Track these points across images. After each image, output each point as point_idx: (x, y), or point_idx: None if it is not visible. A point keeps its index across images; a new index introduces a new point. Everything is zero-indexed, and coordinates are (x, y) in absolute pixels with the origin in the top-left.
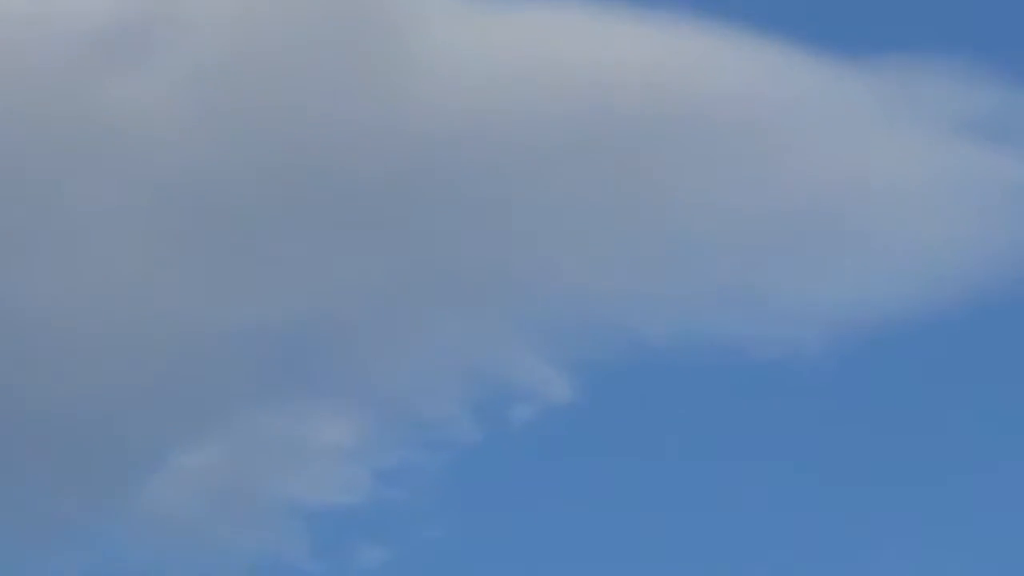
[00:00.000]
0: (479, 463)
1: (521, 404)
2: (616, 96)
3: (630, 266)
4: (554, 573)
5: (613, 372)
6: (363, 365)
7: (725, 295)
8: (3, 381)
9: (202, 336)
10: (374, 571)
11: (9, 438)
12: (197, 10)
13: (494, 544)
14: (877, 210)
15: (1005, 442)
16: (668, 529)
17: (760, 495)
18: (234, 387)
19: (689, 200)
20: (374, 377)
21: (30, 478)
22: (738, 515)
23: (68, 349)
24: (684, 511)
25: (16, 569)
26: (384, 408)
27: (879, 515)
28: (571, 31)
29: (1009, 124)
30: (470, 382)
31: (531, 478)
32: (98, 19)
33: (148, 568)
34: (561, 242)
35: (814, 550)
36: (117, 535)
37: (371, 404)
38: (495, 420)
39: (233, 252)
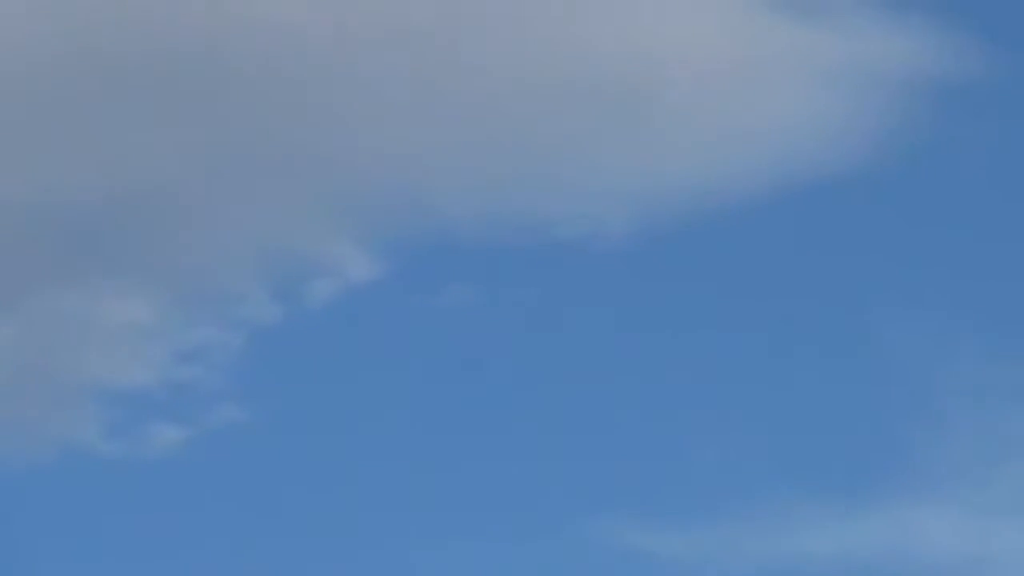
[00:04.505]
0: (278, 342)
1: (321, 282)
2: None
3: (433, 143)
4: (352, 453)
5: (415, 250)
6: (159, 242)
7: (529, 172)
8: None
9: None
10: (172, 451)
11: None
12: None
13: (293, 424)
14: (688, 88)
15: (810, 331)
16: (474, 406)
17: (558, 370)
18: (27, 265)
19: (493, 75)
20: (170, 254)
21: None
22: (544, 388)
23: None
24: (487, 387)
25: None
26: (180, 286)
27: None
28: None
29: (825, 1)
30: (268, 259)
31: (331, 357)
32: None
33: None
34: (363, 118)
35: (591, 432)
36: None
37: (167, 282)
38: (294, 298)
39: (27, 127)
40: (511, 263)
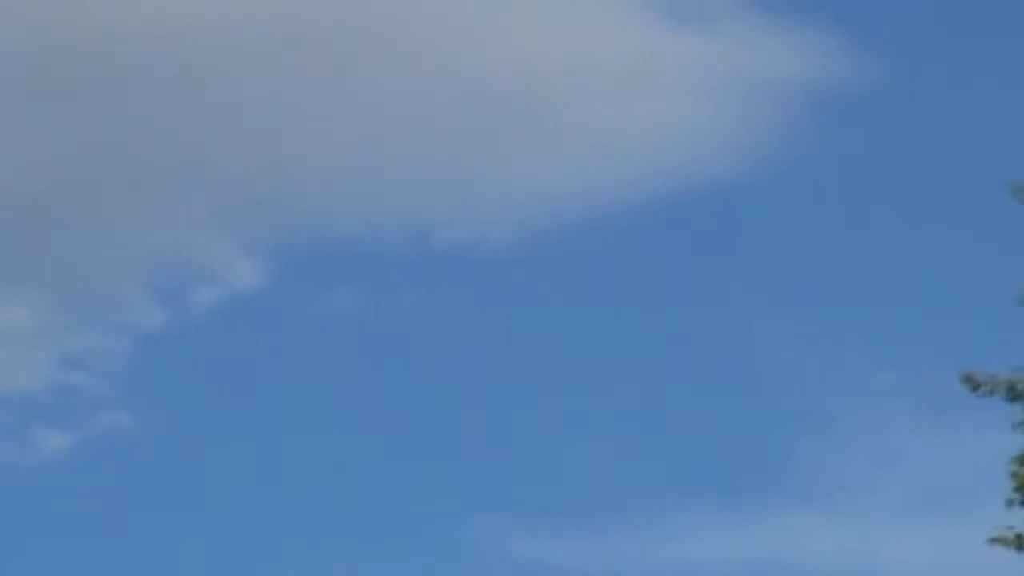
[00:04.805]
0: (163, 348)
1: (205, 288)
2: None
3: (316, 149)
4: (235, 458)
5: (298, 255)
6: (44, 248)
7: (413, 178)
8: None
9: None
10: (58, 456)
11: None
12: None
13: (179, 430)
14: (574, 96)
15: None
16: (356, 411)
17: (442, 376)
18: None
19: (377, 81)
20: (55, 260)
21: None
22: (427, 393)
23: None
24: (370, 392)
25: None
26: (66, 291)
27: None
28: None
29: (703, 7)
30: (153, 265)
31: (215, 363)
32: None
33: None
34: (245, 124)
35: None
36: None
37: (52, 287)
38: (179, 304)
39: None
40: (394, 269)
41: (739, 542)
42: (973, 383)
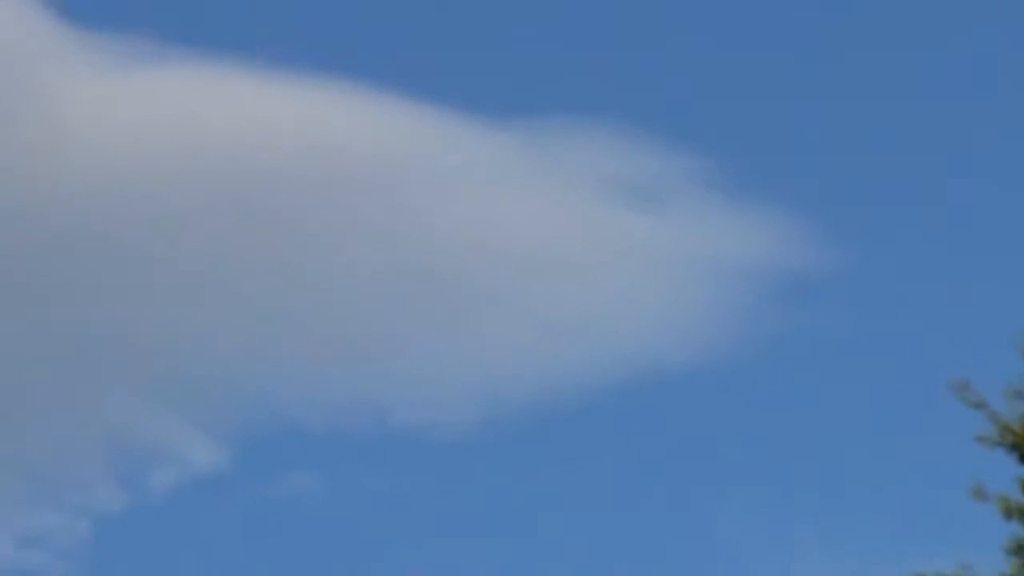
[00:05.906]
0: (122, 529)
1: (164, 469)
2: (260, 156)
3: (273, 330)
4: None
5: (257, 437)
6: (1, 427)
7: (370, 360)
8: None
9: None
10: None
11: None
12: None
13: None
14: (534, 278)
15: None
16: None
17: (402, 563)
18: None
19: (333, 262)
20: (13, 441)
21: None
22: None
23: None
24: None
25: None
26: (24, 472)
27: None
28: (218, 90)
29: (662, 190)
30: (112, 447)
31: (174, 546)
32: None
33: None
34: (205, 307)
35: None
36: None
37: (11, 468)
38: (138, 485)
39: None
40: (352, 451)
41: None
42: None
